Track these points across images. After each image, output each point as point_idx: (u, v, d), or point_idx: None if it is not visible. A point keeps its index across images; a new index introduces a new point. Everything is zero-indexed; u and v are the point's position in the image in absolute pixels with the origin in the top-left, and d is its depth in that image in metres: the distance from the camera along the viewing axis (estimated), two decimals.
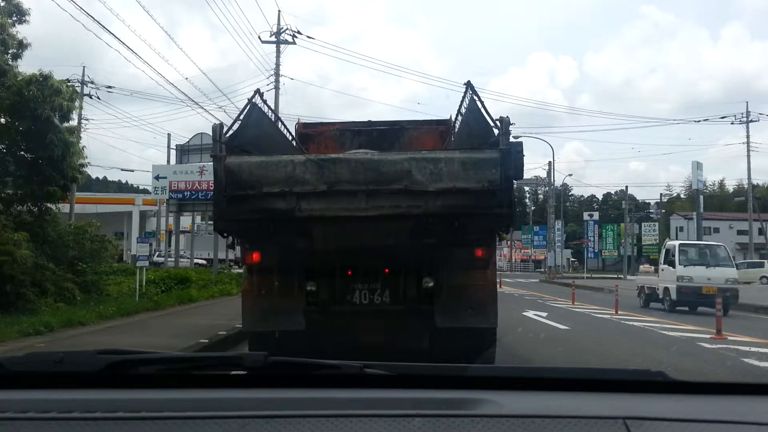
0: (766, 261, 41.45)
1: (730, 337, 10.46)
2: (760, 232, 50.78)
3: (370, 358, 1.55)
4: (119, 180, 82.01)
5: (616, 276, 44.42)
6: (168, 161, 32.85)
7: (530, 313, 15.42)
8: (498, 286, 7.03)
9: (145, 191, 44.08)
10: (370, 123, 9.79)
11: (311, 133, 9.55)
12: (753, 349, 9.28)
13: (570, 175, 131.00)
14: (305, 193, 5.34)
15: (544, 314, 15.24)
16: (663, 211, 53.23)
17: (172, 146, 33.47)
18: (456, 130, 8.32)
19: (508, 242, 58.19)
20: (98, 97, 30.53)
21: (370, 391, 1.39)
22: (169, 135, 36.49)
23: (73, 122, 14.81)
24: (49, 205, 13.04)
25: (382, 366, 1.44)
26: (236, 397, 1.36)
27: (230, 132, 5.83)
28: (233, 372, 1.48)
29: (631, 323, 13.46)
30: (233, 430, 1.14)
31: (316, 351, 6.22)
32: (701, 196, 42.80)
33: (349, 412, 1.21)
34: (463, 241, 5.76)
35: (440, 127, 9.53)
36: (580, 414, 1.22)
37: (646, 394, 1.40)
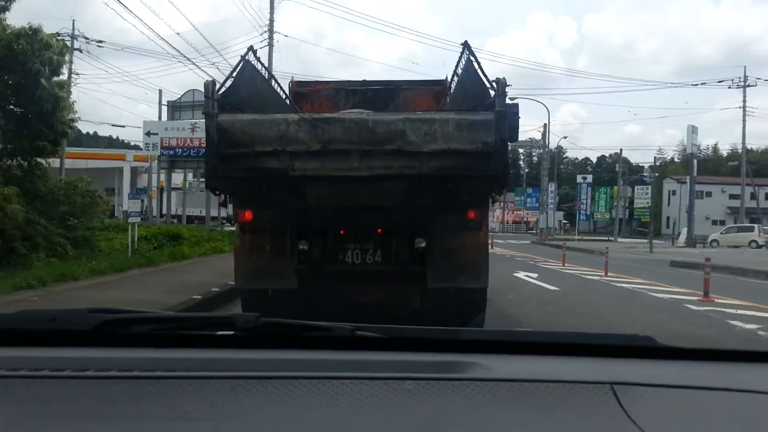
0: (756, 226, 41.74)
1: (717, 300, 10.58)
2: (752, 196, 51.04)
3: (363, 318, 1.56)
4: (110, 135, 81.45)
5: (607, 238, 44.71)
6: (159, 117, 32.57)
7: (521, 274, 15.55)
8: (490, 247, 7.06)
9: (137, 147, 43.81)
10: (364, 82, 9.69)
11: (305, 92, 9.45)
12: (739, 311, 9.40)
13: (565, 137, 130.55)
14: (298, 152, 5.31)
15: (535, 275, 15.37)
16: (656, 174, 53.23)
17: (163, 102, 33.17)
18: (452, 90, 8.25)
19: (501, 204, 58.37)
20: (88, 52, 30.06)
21: (362, 354, 1.40)
22: (160, 91, 36.20)
23: (63, 77, 14.57)
24: (39, 159, 12.94)
25: (374, 328, 1.45)
26: (228, 358, 1.37)
27: (223, 89, 5.76)
28: (225, 332, 1.48)
29: (619, 285, 13.61)
30: (225, 391, 1.15)
31: (309, 310, 6.30)
32: (695, 160, 42.87)
33: (341, 374, 1.22)
34: (456, 203, 5.76)
35: (436, 87, 9.45)
36: (568, 378, 1.23)
37: (634, 359, 1.41)
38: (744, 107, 47.01)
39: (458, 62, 7.41)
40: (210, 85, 5.49)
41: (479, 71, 6.06)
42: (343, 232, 6.14)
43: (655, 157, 60.74)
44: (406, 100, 9.14)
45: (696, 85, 51.08)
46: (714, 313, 9.30)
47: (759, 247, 36.24)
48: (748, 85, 46.32)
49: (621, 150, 55.88)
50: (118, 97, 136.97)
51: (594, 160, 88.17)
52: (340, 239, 6.12)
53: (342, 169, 5.34)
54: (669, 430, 1.00)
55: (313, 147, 5.28)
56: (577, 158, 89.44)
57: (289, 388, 1.16)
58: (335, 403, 1.10)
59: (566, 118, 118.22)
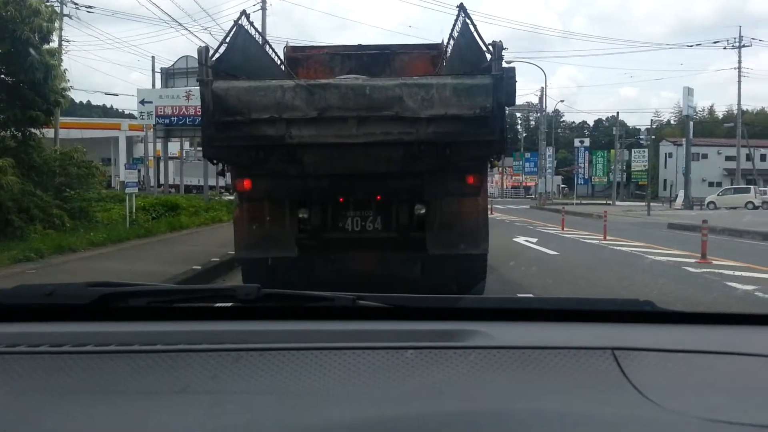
0: (752, 187, 41.85)
1: (714, 262, 10.64)
2: (748, 158, 51.02)
3: (364, 286, 1.55)
4: (103, 104, 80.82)
5: (605, 202, 44.78)
6: (153, 85, 32.26)
7: (520, 239, 15.59)
8: (489, 212, 7.06)
9: (131, 116, 43.44)
10: (360, 47, 9.57)
11: (300, 57, 9.34)
12: (736, 273, 9.46)
13: (562, 101, 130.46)
14: (295, 119, 5.26)
15: (534, 240, 15.42)
16: (653, 137, 53.16)
17: (156, 69, 32.81)
18: (448, 54, 8.16)
19: (500, 169, 58.31)
20: (78, 18, 29.66)
21: (364, 323, 1.40)
22: (153, 58, 35.80)
23: (54, 44, 14.38)
24: (32, 130, 12.82)
25: (376, 297, 1.44)
26: (229, 330, 1.36)
27: (216, 55, 5.69)
28: (226, 304, 1.47)
29: (618, 248, 13.66)
30: (227, 363, 1.15)
31: (310, 279, 6.31)
32: (691, 122, 42.73)
33: (343, 345, 1.21)
34: (455, 169, 5.74)
35: (432, 51, 9.34)
36: (569, 345, 1.23)
37: (634, 324, 1.41)
38: (739, 68, 46.65)
39: (454, 25, 7.32)
40: (203, 51, 5.41)
41: (476, 34, 6.00)
42: (342, 200, 6.12)
43: (651, 120, 60.45)
44: (403, 65, 9.05)
45: (691, 46, 51.11)
46: (712, 275, 9.35)
47: (755, 207, 36.35)
48: (743, 46, 45.94)
49: (618, 113, 55.71)
50: (110, 65, 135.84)
51: (591, 123, 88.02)
52: (340, 207, 6.11)
53: (339, 136, 5.30)
54: (668, 394, 1.00)
55: (310, 114, 5.24)
56: (574, 122, 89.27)
57: (290, 359, 1.15)
58: (337, 373, 1.09)
59: (563, 81, 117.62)
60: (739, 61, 46.46)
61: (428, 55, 9.34)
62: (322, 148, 5.39)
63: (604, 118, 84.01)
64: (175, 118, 27.50)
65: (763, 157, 59.13)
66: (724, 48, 46.43)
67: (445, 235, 6.01)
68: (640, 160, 49.94)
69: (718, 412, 0.93)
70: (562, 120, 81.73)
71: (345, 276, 6.33)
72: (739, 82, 47.02)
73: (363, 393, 1.05)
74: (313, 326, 1.37)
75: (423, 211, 6.01)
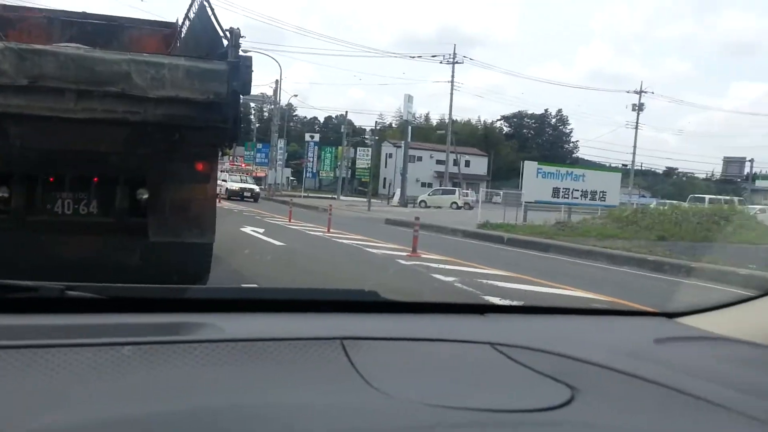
0: (457, 189, 47.17)
1: (423, 255, 11.72)
2: (455, 163, 57.33)
3: (78, 276, 1.40)
4: None
5: (331, 196, 46.79)
6: None
7: (248, 229, 15.58)
8: (218, 201, 6.92)
9: None
10: (84, 15, 8.71)
11: (12, 18, 8.20)
12: (440, 266, 10.53)
13: (296, 95, 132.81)
14: (1, 86, 4.61)
15: (262, 230, 15.52)
16: (376, 138, 56.99)
17: None
18: (182, 36, 7.83)
19: (231, 158, 57.49)
20: None
21: (75, 317, 1.25)
22: None
23: None
24: None
25: (89, 288, 1.30)
26: None
27: None
28: None
29: (341, 241, 14.36)
30: None
31: (13, 268, 5.57)
32: (410, 127, 46.71)
33: (48, 342, 1.07)
34: (184, 154, 5.51)
35: (165, 30, 8.87)
36: (300, 336, 1.24)
37: (361, 314, 1.48)
38: (452, 82, 52.27)
39: (190, 6, 7.04)
40: None
41: (213, 18, 5.84)
42: (52, 179, 5.51)
43: (376, 122, 64.91)
44: (132, 40, 8.45)
45: (414, 57, 55.88)
46: (420, 267, 10.29)
47: (459, 208, 40.94)
48: (457, 62, 51.58)
49: (346, 112, 58.92)
50: None
51: (322, 120, 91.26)
52: (50, 187, 5.49)
53: (53, 110, 4.76)
54: (392, 381, 1.06)
55: (19, 81, 4.62)
56: (306, 117, 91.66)
57: None
58: (41, 375, 0.96)
59: (297, 76, 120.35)
60: (452, 76, 52.00)
61: (161, 33, 8.85)
62: (31, 120, 4.80)
63: (334, 116, 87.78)
64: None
65: (467, 163, 66.71)
66: (441, 62, 51.64)
67: (170, 222, 5.74)
68: (364, 159, 53.20)
69: (437, 397, 1.01)
70: (294, 114, 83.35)
71: (56, 264, 5.71)
72: (452, 94, 52.63)
73: (70, 396, 0.93)
74: (14, 321, 1.19)
75: (146, 195, 5.67)
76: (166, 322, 1.27)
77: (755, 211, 26.66)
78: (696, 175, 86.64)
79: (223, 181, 34.54)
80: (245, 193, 35.10)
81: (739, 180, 47.59)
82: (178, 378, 1.02)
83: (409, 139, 46.40)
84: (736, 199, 31.04)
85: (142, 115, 4.96)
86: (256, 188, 37.19)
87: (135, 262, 6.14)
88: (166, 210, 5.73)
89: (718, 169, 56.53)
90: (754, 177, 45.56)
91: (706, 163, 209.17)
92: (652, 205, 29.28)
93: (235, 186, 35.68)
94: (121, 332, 1.16)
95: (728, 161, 47.75)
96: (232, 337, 1.19)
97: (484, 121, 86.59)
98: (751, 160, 45.27)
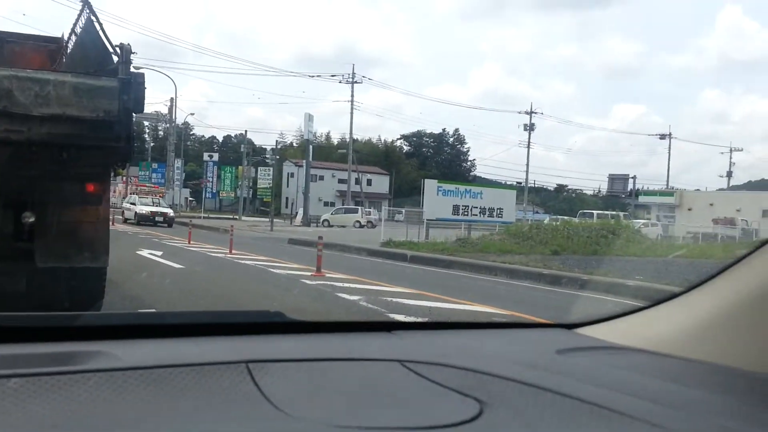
0: (359, 208, 47.48)
1: (327, 274, 11.68)
2: (357, 181, 57.73)
3: None
4: None
5: (232, 217, 45.88)
6: None
7: (145, 252, 14.99)
8: (111, 224, 6.61)
9: None
10: None
11: None
12: (345, 284, 10.52)
13: (192, 114, 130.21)
14: None
15: (160, 253, 14.97)
16: (277, 157, 56.54)
17: None
18: (69, 51, 7.48)
19: (124, 178, 55.38)
20: None
21: None
22: None
23: None
24: None
25: None
26: None
27: None
28: None
29: (244, 262, 14.09)
30: None
31: None
32: (311, 146, 46.69)
33: None
34: (72, 175, 5.25)
35: (50, 45, 8.45)
36: (202, 361, 1.19)
37: (267, 336, 1.44)
38: (352, 101, 52.88)
39: (77, 20, 6.76)
40: None
41: (101, 33, 5.65)
42: None
43: (276, 141, 64.41)
44: (14, 56, 7.98)
45: (313, 76, 55.83)
46: (325, 287, 10.24)
47: (362, 226, 41.21)
48: (356, 82, 52.22)
49: (246, 131, 57.76)
50: None
51: (221, 139, 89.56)
52: None
53: None
54: (298, 403, 1.03)
55: None
56: (204, 136, 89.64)
57: None
58: None
59: (194, 94, 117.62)
60: (352, 95, 52.59)
61: (45, 48, 8.42)
62: None
63: (233, 135, 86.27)
64: None
65: (369, 182, 67.33)
66: (340, 82, 52.13)
67: (58, 246, 5.44)
68: (265, 178, 52.62)
69: (347, 417, 0.99)
70: (192, 133, 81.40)
71: None
72: (351, 113, 53.20)
73: None
74: None
75: (32, 219, 5.35)
76: (57, 352, 1.18)
77: (639, 225, 28.40)
78: (585, 192, 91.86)
79: (132, 204, 32.39)
80: (157, 218, 30.89)
81: (624, 195, 50.58)
82: (70, 411, 0.95)
83: (310, 158, 46.36)
84: (621, 214, 32.92)
85: (26, 133, 4.70)
86: (170, 212, 33.17)
87: (20, 288, 5.76)
88: (55, 234, 5.42)
89: (604, 186, 59.83)
90: (637, 193, 48.52)
91: (593, 180, 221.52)
92: (545, 221, 30.55)
93: (146, 210, 31.51)
94: (7, 364, 1.07)
95: (613, 178, 50.73)
96: (128, 365, 1.12)
97: (385, 140, 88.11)
98: (634, 177, 48.31)
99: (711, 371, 1.34)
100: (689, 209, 44.02)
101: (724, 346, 1.40)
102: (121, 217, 31.07)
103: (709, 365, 1.36)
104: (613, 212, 33.78)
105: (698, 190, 57.98)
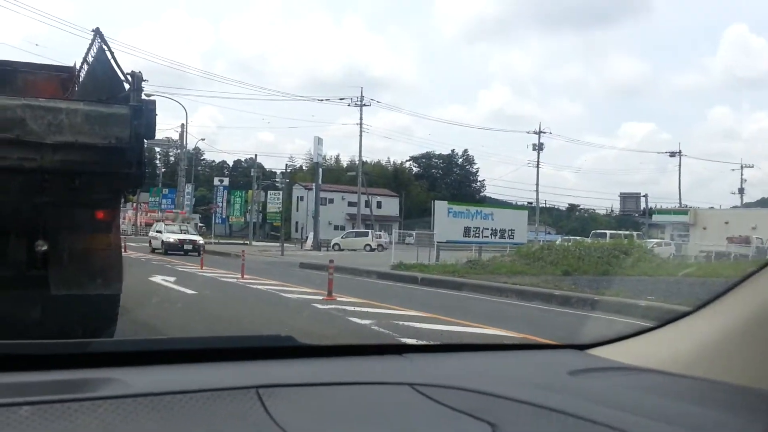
0: (370, 231, 47.42)
1: (338, 298, 11.64)
2: (366, 204, 57.78)
3: None
4: None
5: (242, 242, 45.96)
6: None
7: (158, 278, 15.03)
8: (123, 250, 6.65)
9: None
10: None
11: None
12: (357, 308, 10.48)
13: (203, 139, 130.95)
14: None
15: (172, 279, 15.02)
16: (287, 181, 56.79)
17: None
18: (81, 80, 7.59)
19: (134, 204, 55.75)
20: None
21: None
22: None
23: None
24: None
25: None
26: None
27: None
28: None
29: (255, 287, 14.08)
30: None
31: None
32: (320, 169, 46.89)
33: None
34: (84, 202, 5.30)
35: (62, 74, 8.56)
36: (212, 386, 1.19)
37: (277, 360, 1.43)
38: (360, 124, 53.21)
39: (89, 50, 6.86)
40: None
41: (113, 62, 5.72)
42: None
43: (286, 165, 64.62)
44: (27, 85, 8.10)
45: (321, 100, 56.45)
46: (337, 311, 10.21)
47: (372, 250, 41.17)
48: (365, 105, 52.57)
49: (256, 155, 58.20)
50: None
51: (231, 163, 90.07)
52: None
53: None
54: (310, 428, 1.03)
55: None
56: (214, 161, 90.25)
57: None
58: None
59: (204, 120, 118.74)
60: (360, 118, 52.94)
61: (58, 77, 8.54)
62: None
63: (243, 160, 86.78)
64: None
65: (379, 204, 67.36)
66: (348, 105, 52.47)
67: (72, 273, 5.47)
68: (275, 202, 52.77)
69: None
70: (202, 158, 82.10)
71: None
72: (360, 136, 53.48)
73: None
74: None
75: (45, 247, 5.39)
76: (67, 379, 1.18)
77: (652, 245, 28.20)
78: (597, 211, 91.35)
79: (158, 232, 30.87)
80: (186, 246, 28.61)
81: (636, 215, 50.31)
82: None
83: (320, 182, 46.50)
84: (635, 233, 32.67)
85: (39, 161, 4.75)
86: (200, 239, 30.69)
87: (36, 316, 5.79)
88: (68, 261, 5.46)
89: (616, 205, 59.63)
90: (650, 212, 48.22)
91: (605, 199, 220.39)
92: (557, 242, 30.39)
93: (173, 238, 29.28)
94: (18, 392, 1.08)
95: (624, 197, 50.55)
96: (139, 391, 1.12)
97: (394, 161, 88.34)
98: (645, 196, 48.12)
99: (724, 390, 1.33)
100: (704, 228, 43.27)
101: (736, 364, 1.38)
102: (148, 245, 30.40)
103: (722, 384, 1.34)
104: (627, 232, 33.51)
105: (712, 207, 57.51)
